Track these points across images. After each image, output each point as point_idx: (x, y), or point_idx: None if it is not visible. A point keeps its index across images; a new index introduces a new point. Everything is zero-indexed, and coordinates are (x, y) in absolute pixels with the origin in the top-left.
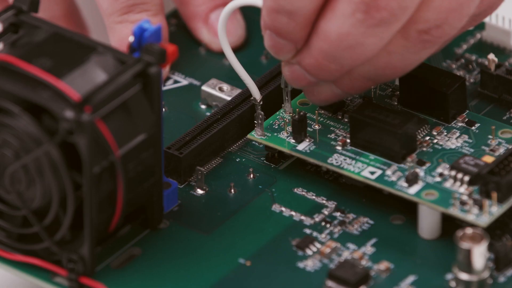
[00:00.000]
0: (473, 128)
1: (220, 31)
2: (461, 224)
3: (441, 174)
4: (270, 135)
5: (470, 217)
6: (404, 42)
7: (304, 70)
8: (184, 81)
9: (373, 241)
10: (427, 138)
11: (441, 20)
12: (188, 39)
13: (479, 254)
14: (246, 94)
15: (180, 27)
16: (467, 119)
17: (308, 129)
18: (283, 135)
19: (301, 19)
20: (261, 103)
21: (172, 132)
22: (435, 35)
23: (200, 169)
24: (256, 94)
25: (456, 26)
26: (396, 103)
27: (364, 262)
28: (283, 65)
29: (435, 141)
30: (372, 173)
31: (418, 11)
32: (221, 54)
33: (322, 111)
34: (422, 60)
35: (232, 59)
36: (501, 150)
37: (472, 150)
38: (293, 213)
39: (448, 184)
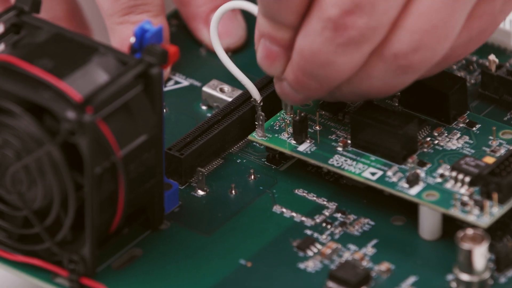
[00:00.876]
0: (474, 129)
1: (212, 34)
2: (462, 225)
3: (442, 175)
4: (271, 136)
5: (471, 218)
6: (383, 66)
7: (290, 87)
8: (185, 82)
9: (374, 242)
10: (428, 139)
11: (416, 43)
12: (189, 40)
13: (480, 255)
14: (247, 95)
15: (181, 28)
16: (468, 120)
17: (309, 130)
18: (284, 136)
19: (289, 29)
20: (261, 104)
21: (173, 133)
22: (414, 60)
23: (201, 170)
24: (255, 94)
25: (436, 50)
26: (396, 104)
27: (365, 263)
28: (274, 82)
29: (436, 142)
30: (373, 174)
31: (392, 33)
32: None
33: (323, 112)
34: (407, 84)
35: (226, 61)
36: (502, 151)
37: (473, 151)
38: (294, 214)
39: (449, 185)
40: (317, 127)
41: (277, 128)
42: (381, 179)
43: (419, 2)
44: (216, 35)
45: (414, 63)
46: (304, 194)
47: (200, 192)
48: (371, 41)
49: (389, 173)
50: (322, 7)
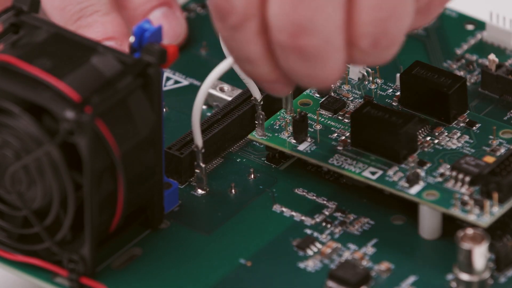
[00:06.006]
0: (474, 128)
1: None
2: (462, 224)
3: (442, 175)
4: (271, 135)
5: (471, 218)
6: (362, 53)
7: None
8: (184, 81)
9: (373, 241)
10: (428, 138)
11: (379, 32)
12: (188, 39)
13: (480, 255)
14: (246, 94)
15: None
16: (468, 120)
17: (309, 129)
18: (284, 135)
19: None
20: (262, 103)
21: (173, 132)
22: (385, 42)
23: (203, 165)
24: (256, 93)
25: (402, 25)
26: (397, 103)
27: (364, 263)
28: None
29: (436, 141)
30: (373, 173)
31: (350, 32)
32: (222, 55)
33: (323, 111)
34: (390, 57)
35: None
36: (502, 151)
37: (473, 150)
38: (293, 213)
39: (449, 184)
40: (317, 126)
41: (277, 127)
42: (381, 179)
43: None
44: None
45: (386, 43)
46: (304, 193)
47: (200, 191)
48: (333, 50)
49: (389, 172)
50: (272, 33)
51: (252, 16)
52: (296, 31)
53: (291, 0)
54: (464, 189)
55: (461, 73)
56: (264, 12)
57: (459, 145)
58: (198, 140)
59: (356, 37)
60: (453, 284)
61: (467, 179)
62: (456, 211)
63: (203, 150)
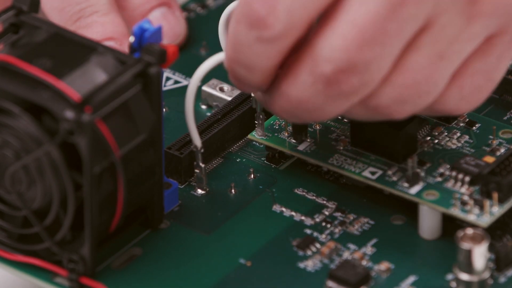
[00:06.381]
0: (473, 128)
1: (220, 33)
2: (462, 224)
3: (441, 175)
4: (270, 135)
5: (471, 217)
6: (364, 110)
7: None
8: (184, 82)
9: (373, 241)
10: (428, 138)
11: (397, 96)
12: (188, 39)
13: (480, 255)
14: (246, 95)
15: None
16: (467, 120)
17: (309, 129)
18: (284, 135)
19: (259, 74)
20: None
21: (173, 132)
22: (394, 111)
23: (202, 165)
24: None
25: (417, 104)
26: None
27: (364, 263)
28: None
29: (435, 141)
30: (373, 173)
31: (378, 86)
32: None
33: None
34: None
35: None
36: (502, 150)
37: (472, 150)
38: (293, 213)
39: (448, 184)
40: (317, 126)
41: (276, 127)
42: (381, 179)
43: (407, 59)
44: (224, 35)
45: (394, 114)
46: (304, 193)
47: (200, 191)
48: (360, 94)
49: (389, 172)
50: (315, 61)
51: (288, 37)
52: (348, 69)
53: (358, 41)
54: (464, 189)
55: None
56: (312, 40)
57: (459, 145)
58: (196, 138)
59: (376, 94)
60: (453, 284)
61: (467, 179)
62: (456, 211)
63: (202, 150)
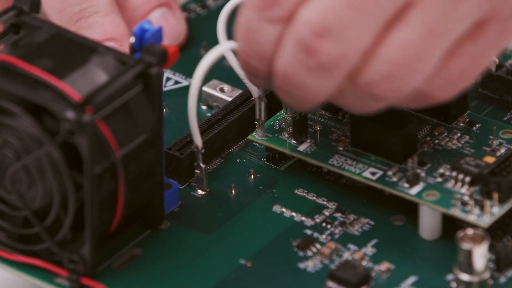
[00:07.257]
0: (474, 128)
1: (219, 31)
2: (462, 224)
3: (442, 175)
4: (271, 136)
5: (471, 218)
6: (354, 90)
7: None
8: (185, 82)
9: (374, 241)
10: (428, 138)
11: (387, 73)
12: (188, 39)
13: (480, 255)
14: (247, 95)
15: None
16: (468, 120)
17: (309, 130)
18: (284, 136)
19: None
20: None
21: (173, 133)
22: (383, 89)
23: (203, 166)
24: (255, 94)
25: (407, 82)
26: None
27: (364, 263)
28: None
29: (436, 141)
30: (373, 173)
31: (364, 62)
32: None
33: (323, 112)
34: (377, 109)
35: (231, 59)
36: (502, 151)
37: (473, 150)
38: (293, 214)
39: (449, 184)
40: (317, 127)
41: (277, 128)
42: (381, 179)
43: (395, 34)
44: (224, 34)
45: (383, 92)
46: (304, 194)
47: (200, 192)
48: (341, 68)
49: (389, 172)
50: (295, 26)
51: (292, 14)
52: (322, 32)
53: (334, 5)
54: (464, 189)
55: None
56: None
57: (459, 145)
58: (197, 137)
59: (364, 70)
60: (453, 284)
61: (467, 179)
62: (456, 212)
63: (202, 150)
